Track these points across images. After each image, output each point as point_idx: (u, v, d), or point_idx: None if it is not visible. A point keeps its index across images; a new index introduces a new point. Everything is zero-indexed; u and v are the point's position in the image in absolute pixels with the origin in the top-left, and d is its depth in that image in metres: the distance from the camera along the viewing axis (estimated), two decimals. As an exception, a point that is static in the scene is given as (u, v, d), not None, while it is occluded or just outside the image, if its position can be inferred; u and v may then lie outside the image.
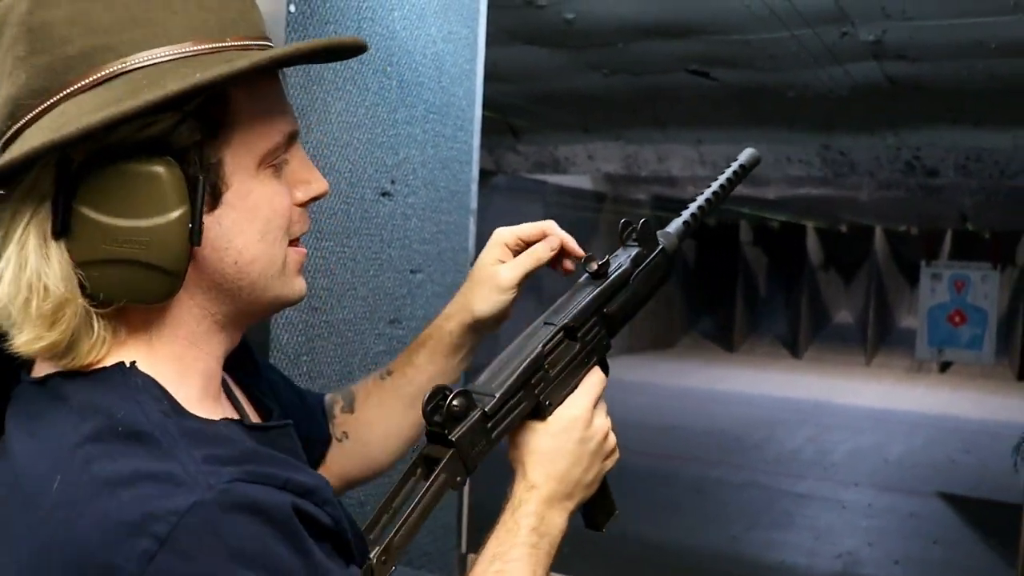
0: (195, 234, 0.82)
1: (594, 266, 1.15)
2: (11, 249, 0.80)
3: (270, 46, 0.89)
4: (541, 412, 1.06)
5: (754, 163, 1.39)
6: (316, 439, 1.23)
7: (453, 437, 0.96)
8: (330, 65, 1.70)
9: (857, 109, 5.89)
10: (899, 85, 5.27)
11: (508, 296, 1.19)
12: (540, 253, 1.18)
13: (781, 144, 7.57)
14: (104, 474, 0.75)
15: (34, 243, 0.80)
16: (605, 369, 1.16)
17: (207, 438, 0.81)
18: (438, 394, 0.97)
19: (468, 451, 0.98)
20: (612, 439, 1.13)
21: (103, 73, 0.80)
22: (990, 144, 6.83)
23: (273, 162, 0.90)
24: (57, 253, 0.80)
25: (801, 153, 7.77)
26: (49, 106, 0.81)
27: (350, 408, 1.28)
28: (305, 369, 1.71)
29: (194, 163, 0.83)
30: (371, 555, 0.89)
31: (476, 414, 0.98)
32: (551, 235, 1.20)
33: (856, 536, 5.80)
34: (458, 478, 0.97)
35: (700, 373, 12.29)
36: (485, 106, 2.27)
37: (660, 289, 1.25)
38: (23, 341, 0.81)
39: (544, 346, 1.06)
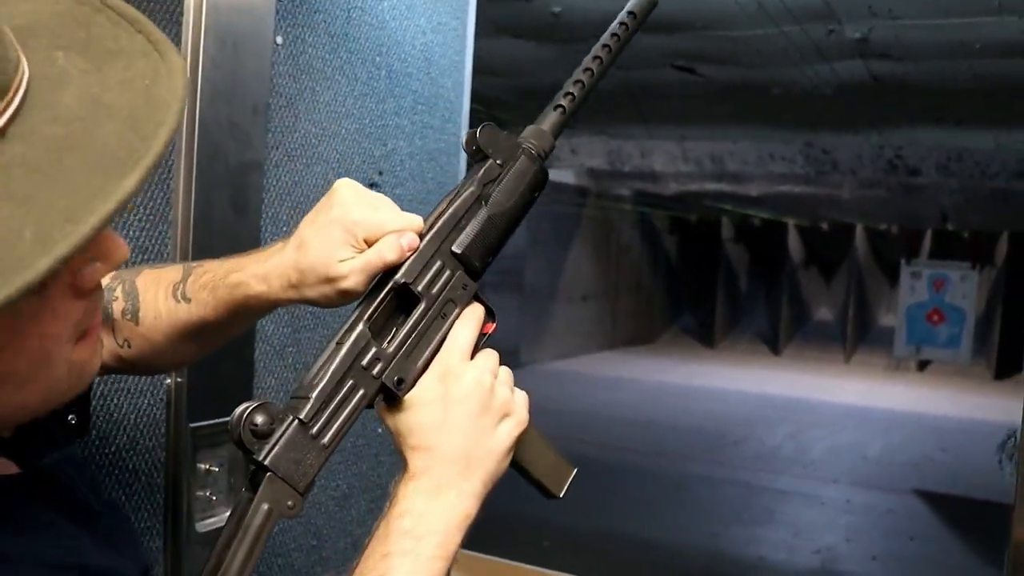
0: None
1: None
2: None
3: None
4: (395, 395, 0.89)
5: (649, 7, 1.09)
6: None
7: (264, 459, 0.81)
8: (319, 55, 1.69)
9: (841, 107, 5.91)
10: (884, 84, 5.29)
11: (345, 295, 0.93)
12: (387, 255, 0.90)
13: (764, 141, 7.60)
14: None
15: None
16: (490, 316, 0.96)
17: None
18: (242, 416, 0.82)
19: (292, 470, 0.82)
20: (502, 392, 0.91)
21: None
22: (972, 144, 6.88)
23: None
24: None
25: (784, 151, 7.80)
26: None
27: (134, 318, 1.05)
28: (291, 360, 1.70)
29: None
30: None
31: (289, 425, 0.83)
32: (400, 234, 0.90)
33: (835, 532, 5.83)
34: (289, 503, 0.82)
35: (680, 369, 12.32)
36: (471, 99, 2.26)
37: (534, 199, 1.00)
38: None
39: (368, 318, 0.89)
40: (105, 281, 0.99)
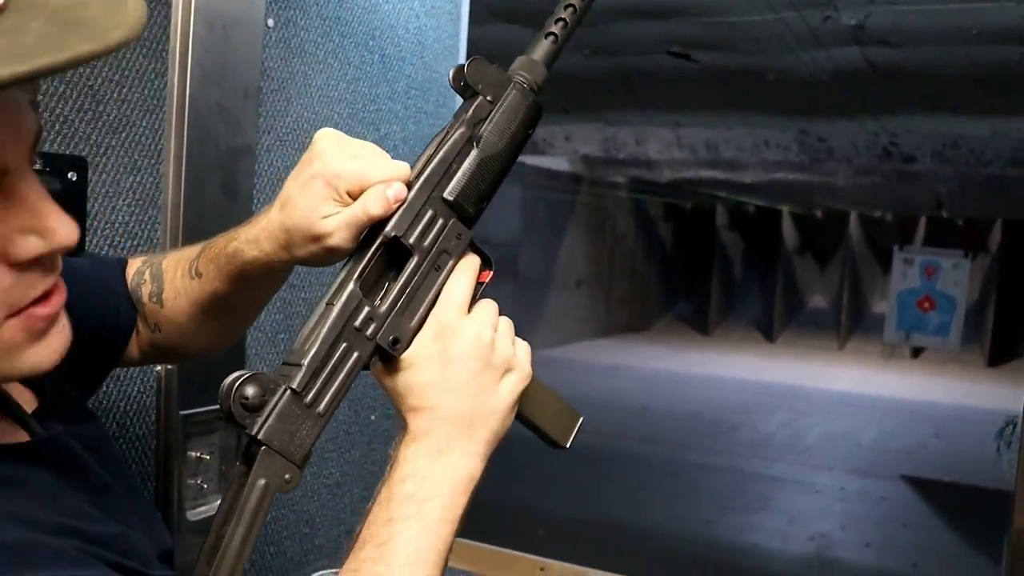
0: None
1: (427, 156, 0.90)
2: None
3: None
4: (391, 355, 0.85)
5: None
6: (121, 332, 1.08)
7: (257, 433, 0.78)
8: (311, 38, 1.67)
9: (837, 94, 5.90)
10: (880, 71, 5.27)
11: (333, 252, 0.88)
12: (372, 209, 0.85)
13: (759, 128, 7.58)
14: None
15: None
16: (487, 264, 0.92)
17: None
18: (231, 388, 0.78)
19: (287, 442, 0.79)
20: (503, 346, 0.88)
21: None
22: (967, 131, 6.86)
23: None
24: None
25: (779, 138, 7.78)
26: None
27: (159, 300, 1.06)
28: (283, 347, 1.68)
29: None
30: None
31: (282, 395, 0.79)
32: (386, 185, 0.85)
33: (829, 519, 5.84)
34: (286, 477, 0.79)
35: (675, 356, 12.32)
36: None
37: (528, 136, 0.96)
38: None
39: (359, 276, 0.84)
40: (135, 265, 1.09)
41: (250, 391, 0.78)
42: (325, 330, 0.82)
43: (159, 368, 1.42)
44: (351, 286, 0.84)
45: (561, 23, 0.97)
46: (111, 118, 1.32)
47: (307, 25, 1.66)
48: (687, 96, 6.67)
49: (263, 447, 0.78)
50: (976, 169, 7.66)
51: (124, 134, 1.34)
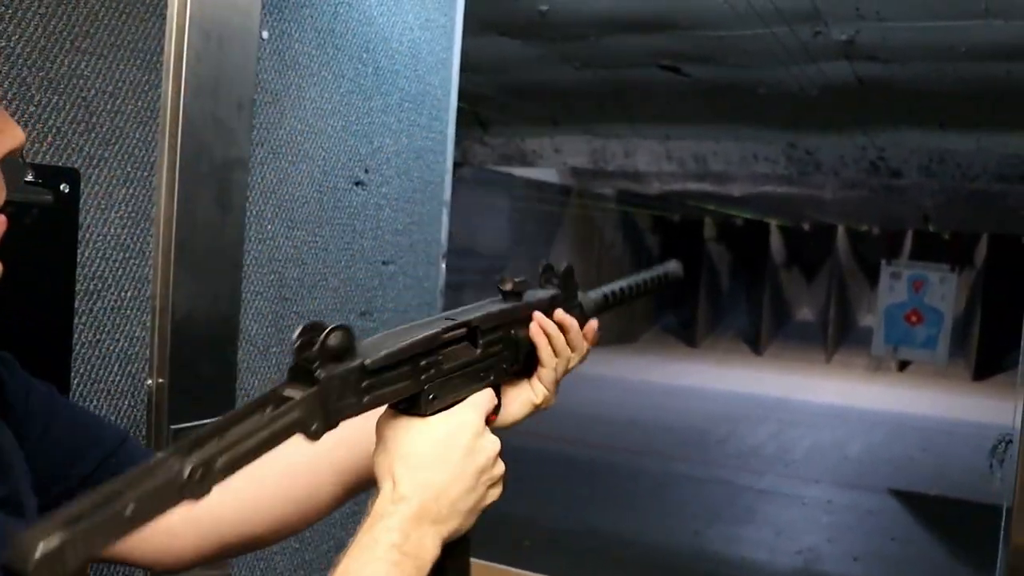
0: None
1: (508, 285, 1.03)
2: None
3: None
4: (421, 406, 0.90)
5: (676, 277, 1.32)
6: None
7: (320, 374, 0.80)
8: (305, 51, 1.67)
9: (826, 108, 5.92)
10: (868, 86, 5.30)
11: None
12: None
13: (748, 142, 7.60)
14: None
15: None
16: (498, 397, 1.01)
17: None
18: (314, 328, 0.80)
19: (332, 398, 0.81)
20: (501, 466, 0.93)
21: None
22: (954, 146, 6.90)
23: None
24: None
25: (767, 151, 7.81)
26: None
27: None
28: (275, 361, 1.68)
29: None
30: (189, 462, 0.69)
31: (354, 362, 0.83)
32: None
33: (816, 532, 5.85)
34: (313, 425, 0.79)
35: (662, 368, 12.34)
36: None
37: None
38: None
39: (443, 332, 0.93)
40: None
41: (334, 342, 0.80)
42: (411, 342, 0.88)
43: (150, 381, 1.41)
44: (439, 329, 0.92)
45: (614, 293, 1.20)
46: (104, 130, 1.31)
47: (301, 37, 1.66)
48: (677, 109, 6.68)
49: (316, 388, 0.80)
50: (962, 184, 7.70)
51: (117, 146, 1.33)
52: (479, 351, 0.97)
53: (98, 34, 1.30)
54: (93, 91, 1.29)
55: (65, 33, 1.26)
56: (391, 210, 2.00)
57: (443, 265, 2.04)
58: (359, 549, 0.83)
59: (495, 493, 0.93)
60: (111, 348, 1.35)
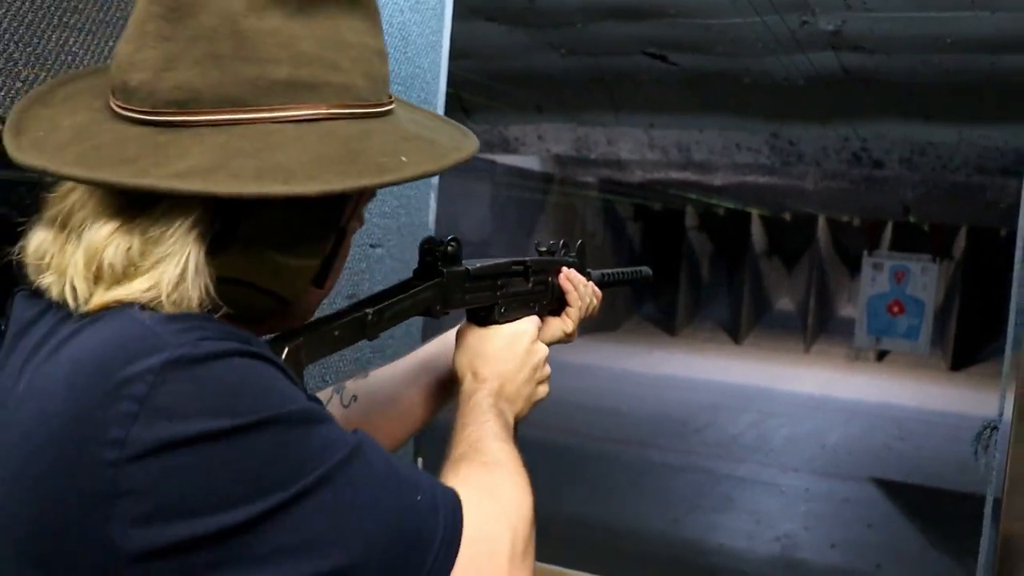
0: (321, 277, 0.91)
1: (543, 247, 1.36)
2: (172, 246, 0.78)
3: (391, 103, 0.92)
4: (494, 316, 1.20)
5: (647, 277, 1.69)
6: None
7: (443, 270, 1.11)
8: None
9: (810, 98, 5.94)
10: (854, 76, 5.32)
11: None
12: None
13: (731, 131, 7.61)
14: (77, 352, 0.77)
15: (194, 249, 0.79)
16: None
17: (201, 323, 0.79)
18: (431, 241, 1.12)
19: (451, 288, 1.12)
20: (548, 369, 1.24)
21: (304, 113, 0.81)
22: (935, 138, 6.93)
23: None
24: (204, 266, 0.79)
25: (750, 141, 7.82)
26: (242, 121, 0.79)
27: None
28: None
29: (343, 218, 0.90)
30: (368, 310, 1.01)
31: (462, 268, 1.14)
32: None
33: (794, 520, 5.89)
34: (437, 306, 1.11)
35: (643, 357, 12.36)
36: None
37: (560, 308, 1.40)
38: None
39: (512, 264, 1.24)
40: None
41: (453, 246, 1.12)
42: (497, 263, 1.21)
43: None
44: (508, 261, 1.24)
45: (606, 274, 1.55)
46: (95, 107, 1.29)
47: (293, 17, 1.64)
48: (661, 97, 6.69)
49: (440, 279, 1.11)
50: (942, 175, 7.73)
51: (107, 123, 1.32)
52: (530, 285, 1.27)
53: (86, 10, 1.29)
54: (81, 68, 1.27)
55: (53, 8, 1.24)
56: (379, 193, 1.99)
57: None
58: (471, 412, 1.08)
59: (543, 390, 1.23)
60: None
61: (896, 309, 11.42)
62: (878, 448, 7.94)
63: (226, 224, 0.80)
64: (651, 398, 9.48)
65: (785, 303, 15.93)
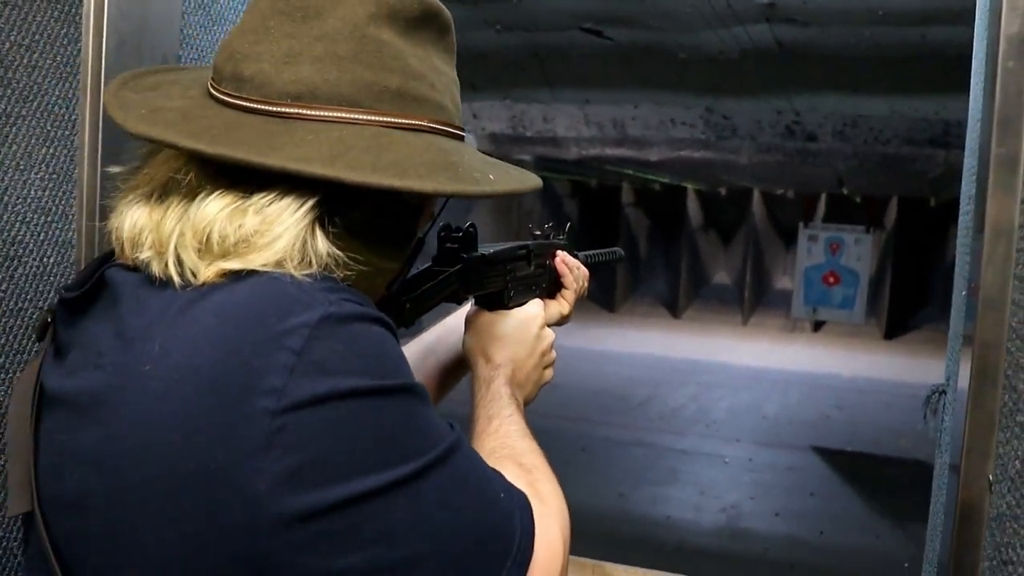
0: (396, 281, 0.98)
1: (538, 231, 1.39)
2: (288, 227, 0.82)
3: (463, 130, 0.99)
4: (504, 300, 1.22)
5: (621, 258, 1.76)
6: None
7: (464, 255, 1.13)
8: (232, 6, 1.61)
9: (745, 72, 5.97)
10: (787, 49, 5.35)
11: None
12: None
13: (667, 106, 7.64)
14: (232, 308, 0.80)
15: (310, 231, 0.83)
16: None
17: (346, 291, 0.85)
18: (448, 227, 1.15)
19: (471, 272, 1.14)
20: (555, 353, 1.30)
21: (411, 122, 0.88)
22: (867, 111, 7.02)
23: None
24: (325, 244, 0.84)
25: (685, 116, 7.85)
26: (356, 121, 0.85)
27: None
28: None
29: (419, 229, 0.99)
30: (404, 299, 1.05)
31: (479, 254, 1.17)
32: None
33: (739, 490, 5.96)
34: (461, 290, 1.15)
35: (582, 334, 12.38)
36: None
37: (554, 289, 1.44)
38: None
39: (519, 248, 1.27)
40: None
41: (470, 233, 1.15)
42: (506, 248, 1.23)
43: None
44: (519, 245, 1.27)
45: (588, 255, 1.57)
46: (21, 86, 1.24)
47: (227, -9, 1.59)
48: (597, 74, 6.68)
49: (462, 266, 1.14)
50: (874, 148, 7.84)
51: (35, 103, 1.26)
52: (532, 268, 1.29)
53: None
54: (8, 44, 1.22)
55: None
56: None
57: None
58: (490, 401, 1.12)
59: (549, 374, 1.29)
60: (35, 316, 1.29)
61: (832, 280, 11.61)
62: (817, 417, 8.06)
63: (331, 216, 0.84)
64: (592, 374, 9.51)
65: (722, 277, 16.07)
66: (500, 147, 11.87)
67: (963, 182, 1.41)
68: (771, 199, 15.49)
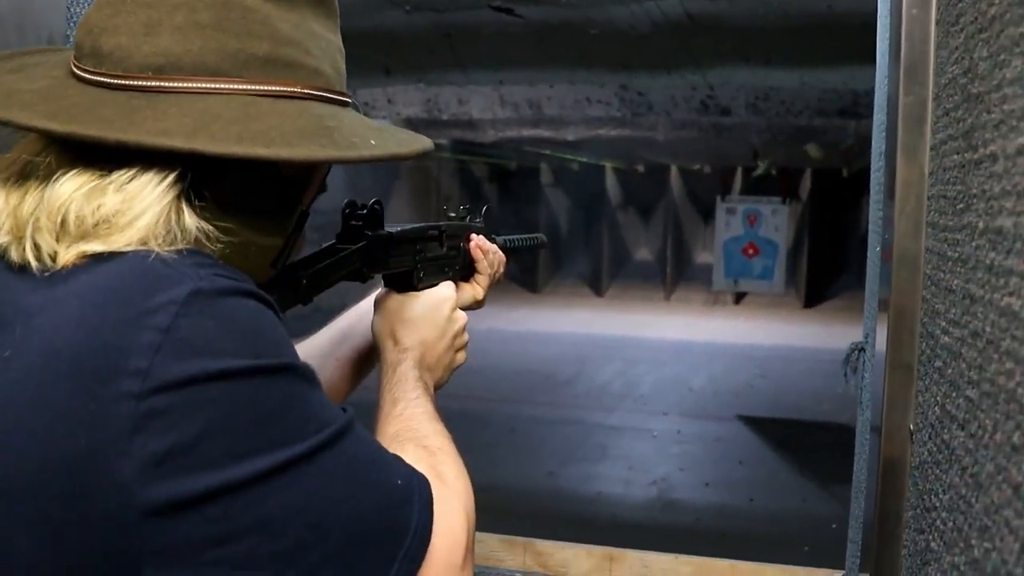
0: (280, 259, 0.93)
1: (453, 213, 1.35)
2: (151, 205, 0.78)
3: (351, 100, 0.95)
4: (413, 280, 1.18)
5: (543, 243, 1.66)
6: None
7: (369, 232, 1.09)
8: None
9: (656, 47, 5.99)
10: (698, 22, 5.38)
11: None
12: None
13: (581, 84, 7.64)
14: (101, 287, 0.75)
15: (175, 207, 0.79)
16: None
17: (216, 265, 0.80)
18: (353, 204, 1.10)
19: (375, 250, 1.10)
20: (467, 336, 1.23)
21: (280, 88, 0.83)
22: (778, 83, 7.10)
23: None
24: (193, 219, 0.80)
25: (600, 94, 7.87)
26: (221, 91, 0.81)
27: None
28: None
29: (304, 201, 0.94)
30: (301, 274, 1.01)
31: (386, 232, 1.12)
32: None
33: (668, 463, 6.01)
34: (364, 269, 1.10)
35: (506, 315, 12.40)
36: None
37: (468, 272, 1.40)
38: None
39: (429, 228, 1.22)
40: None
41: (378, 207, 1.11)
42: (414, 227, 1.19)
43: None
44: (424, 225, 1.22)
45: (508, 239, 1.51)
46: None
47: (115, -34, 1.52)
48: (509, 53, 6.64)
49: (365, 243, 1.09)
50: (786, 120, 7.95)
51: (-91, 85, 1.19)
52: (444, 250, 1.26)
53: None
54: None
55: None
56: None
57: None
58: (396, 384, 1.07)
59: (462, 357, 1.22)
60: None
61: (751, 251, 11.78)
62: (742, 387, 8.18)
63: (198, 191, 0.80)
64: (517, 355, 9.52)
65: (644, 253, 16.22)
66: (417, 131, 11.75)
67: (873, 138, 1.41)
68: (689, 175, 15.66)
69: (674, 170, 14.70)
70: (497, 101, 8.31)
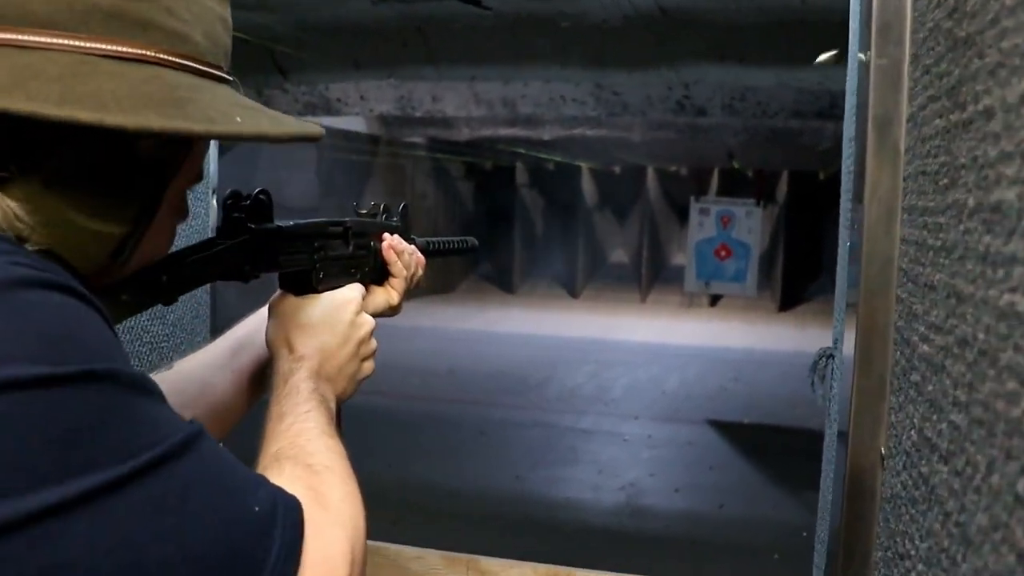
0: (121, 251, 0.77)
1: (364, 209, 1.23)
2: None
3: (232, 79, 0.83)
4: (312, 282, 1.06)
5: (474, 246, 1.54)
6: None
7: (251, 225, 0.97)
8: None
9: (630, 41, 5.88)
10: (671, 16, 5.27)
11: None
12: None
13: (556, 82, 7.53)
14: None
15: None
16: None
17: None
18: (237, 195, 0.98)
19: (260, 248, 0.98)
20: (375, 343, 1.09)
21: (127, 51, 0.71)
22: (753, 83, 7.01)
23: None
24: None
25: (575, 92, 7.76)
26: (51, 46, 0.68)
27: None
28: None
29: (159, 187, 0.79)
30: (162, 273, 0.87)
31: (273, 226, 1.00)
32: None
33: (638, 467, 5.91)
34: (246, 267, 0.97)
35: (480, 316, 12.31)
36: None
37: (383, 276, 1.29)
38: None
39: (329, 224, 1.11)
40: None
41: (264, 197, 0.99)
42: (309, 222, 1.07)
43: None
44: (325, 221, 1.10)
45: (429, 242, 1.37)
46: None
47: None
48: (481, 48, 6.52)
49: (246, 237, 0.97)
50: (762, 121, 7.88)
51: None
52: (350, 249, 1.14)
53: None
54: None
55: None
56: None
57: (214, 201, 1.82)
58: (285, 397, 0.94)
59: (369, 367, 1.08)
60: None
61: (723, 253, 11.69)
62: (714, 391, 8.09)
63: (14, 163, 0.68)
64: (490, 357, 9.41)
65: (619, 255, 16.15)
66: (390, 129, 11.64)
67: (845, 114, 1.28)
68: (665, 176, 15.62)
69: (650, 171, 14.64)
70: (471, 99, 8.20)
